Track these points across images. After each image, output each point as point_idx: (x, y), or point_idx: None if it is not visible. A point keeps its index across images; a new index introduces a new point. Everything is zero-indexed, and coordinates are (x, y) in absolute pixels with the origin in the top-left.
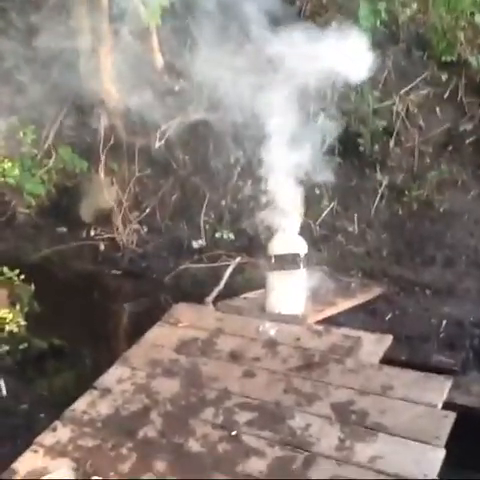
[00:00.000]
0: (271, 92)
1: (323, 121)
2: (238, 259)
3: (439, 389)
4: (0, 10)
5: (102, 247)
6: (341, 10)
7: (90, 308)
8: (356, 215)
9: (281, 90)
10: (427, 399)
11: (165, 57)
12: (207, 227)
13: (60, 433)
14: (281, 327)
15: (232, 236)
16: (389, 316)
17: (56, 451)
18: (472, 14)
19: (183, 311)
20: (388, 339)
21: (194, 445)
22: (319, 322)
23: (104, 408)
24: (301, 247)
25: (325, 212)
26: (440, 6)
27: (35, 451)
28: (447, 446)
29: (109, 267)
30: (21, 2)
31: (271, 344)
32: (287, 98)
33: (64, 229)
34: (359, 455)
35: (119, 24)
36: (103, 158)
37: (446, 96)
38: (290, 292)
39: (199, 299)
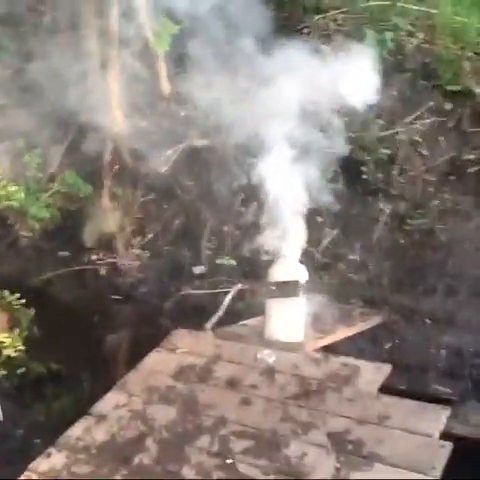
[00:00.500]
0: (275, 119)
1: (327, 148)
2: (238, 285)
3: (436, 419)
4: (9, 33)
5: (103, 272)
6: (347, 39)
7: (89, 333)
8: (358, 243)
9: (285, 117)
10: (424, 429)
11: (171, 82)
12: (208, 253)
13: (54, 459)
14: (279, 355)
15: (233, 262)
16: (389, 345)
17: (50, 477)
18: (478, 44)
19: (181, 337)
20: (387, 368)
21: (189, 473)
22: (318, 350)
23: (99, 434)
24: (301, 274)
25: (327, 239)
26: (446, 36)
27: (29, 477)
28: (444, 476)
29: (110, 292)
30: (29, 24)
31: (269, 372)
32: (291, 125)
33: (66, 253)
34: None
35: (128, 49)
36: (107, 183)
37: (450, 125)
38: (289, 319)
39: (199, 325)
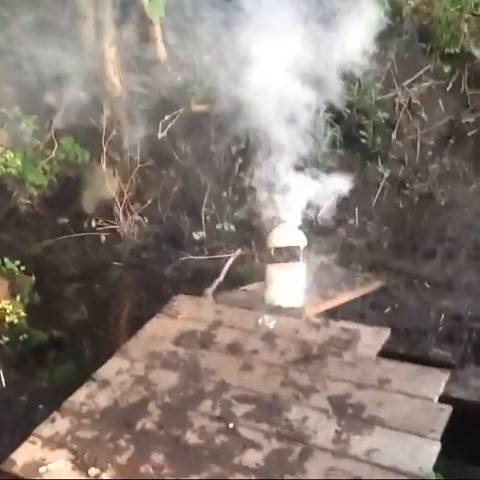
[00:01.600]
0: (274, 82)
1: (325, 113)
2: (238, 251)
3: (436, 383)
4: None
5: (103, 238)
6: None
7: (90, 299)
8: (357, 208)
9: (283, 80)
10: (424, 393)
11: (168, 48)
12: (208, 219)
13: (58, 424)
14: (280, 320)
15: (233, 228)
16: (388, 309)
17: (54, 442)
18: (476, 6)
19: (183, 303)
20: (386, 332)
21: (192, 437)
22: (318, 315)
23: (103, 400)
24: (300, 240)
25: (326, 204)
26: None
27: (33, 442)
28: (443, 439)
29: (110, 258)
30: None
31: (270, 337)
32: (289, 89)
33: (66, 220)
34: (355, 448)
35: (123, 15)
36: (105, 149)
37: (449, 88)
38: (289, 285)
39: (199, 291)
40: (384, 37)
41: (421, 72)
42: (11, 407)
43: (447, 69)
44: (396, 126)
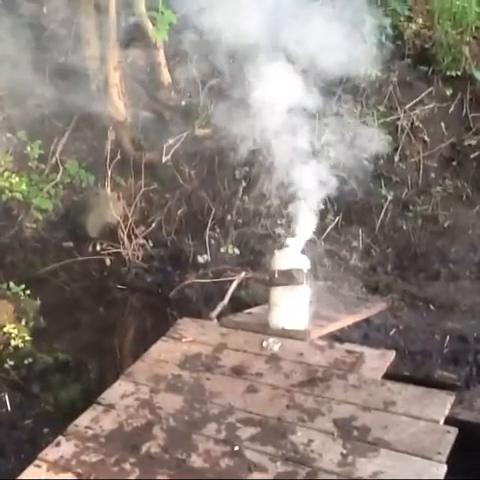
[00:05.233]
0: (275, 106)
1: (327, 135)
2: (243, 274)
3: (441, 404)
4: (8, 23)
5: (108, 262)
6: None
7: (95, 323)
8: (361, 230)
9: (286, 103)
10: (429, 415)
11: (172, 72)
12: (212, 242)
13: (63, 448)
14: (284, 342)
15: (237, 251)
16: (393, 331)
17: (59, 466)
18: (477, 29)
19: (187, 326)
20: (391, 355)
21: (197, 460)
22: (322, 337)
23: (108, 423)
24: (304, 263)
25: (330, 227)
26: (445, 21)
27: (38, 466)
28: (449, 462)
29: (115, 282)
30: (29, 16)
31: (274, 359)
32: (292, 113)
33: (70, 244)
34: (361, 471)
35: (127, 39)
36: (110, 173)
37: (451, 111)
38: (293, 307)
39: (204, 314)
40: (386, 60)
41: (423, 95)
42: (16, 431)
43: (449, 92)
44: (399, 149)
